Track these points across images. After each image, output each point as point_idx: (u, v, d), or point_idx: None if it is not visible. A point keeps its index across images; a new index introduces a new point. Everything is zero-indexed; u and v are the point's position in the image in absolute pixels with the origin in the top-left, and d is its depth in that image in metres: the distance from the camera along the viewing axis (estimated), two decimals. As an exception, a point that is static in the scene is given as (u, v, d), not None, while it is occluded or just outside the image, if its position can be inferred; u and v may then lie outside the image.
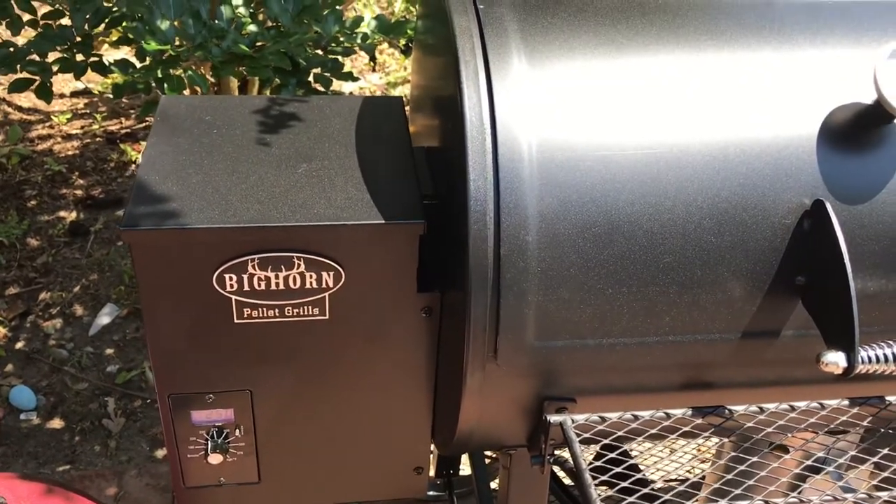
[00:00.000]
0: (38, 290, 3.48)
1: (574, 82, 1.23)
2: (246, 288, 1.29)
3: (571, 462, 1.19)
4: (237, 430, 1.46)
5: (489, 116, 1.16)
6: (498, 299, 1.14)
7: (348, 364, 1.40)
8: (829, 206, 1.13)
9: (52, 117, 4.59)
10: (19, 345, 3.23)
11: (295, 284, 1.30)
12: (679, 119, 1.20)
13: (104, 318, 3.35)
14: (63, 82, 5.04)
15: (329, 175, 1.37)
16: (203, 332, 1.33)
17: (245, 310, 1.31)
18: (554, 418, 1.23)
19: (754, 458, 1.23)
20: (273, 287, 1.30)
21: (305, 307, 1.32)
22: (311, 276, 1.30)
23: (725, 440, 1.59)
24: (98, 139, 4.45)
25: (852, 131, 1.19)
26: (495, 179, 1.12)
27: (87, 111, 4.72)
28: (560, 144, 1.17)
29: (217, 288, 1.28)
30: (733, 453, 1.25)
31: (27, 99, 4.77)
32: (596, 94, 1.22)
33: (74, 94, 4.93)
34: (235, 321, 1.32)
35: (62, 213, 3.89)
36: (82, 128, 4.56)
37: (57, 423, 2.95)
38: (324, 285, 1.31)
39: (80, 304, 3.43)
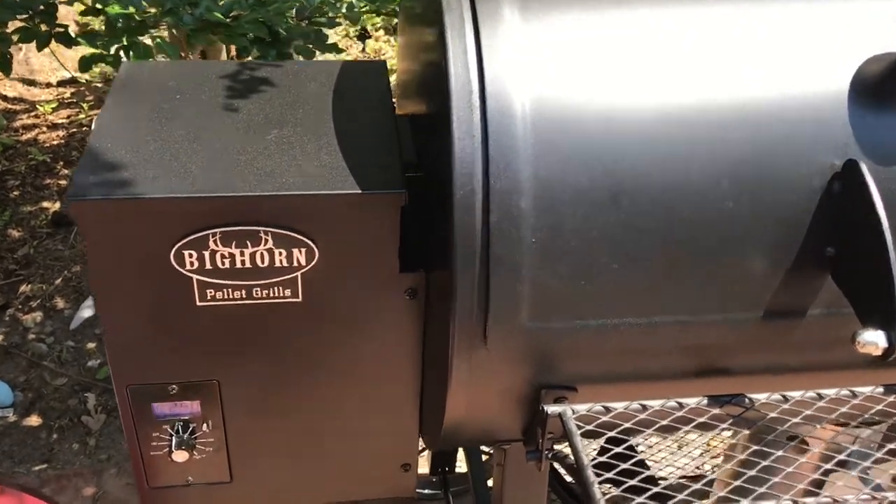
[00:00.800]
0: (18, 283, 3.35)
1: (571, 34, 1.09)
2: (208, 266, 1.16)
3: (572, 457, 1.05)
4: (205, 425, 1.32)
5: (476, 70, 1.02)
6: (487, 274, 1.00)
7: (325, 351, 1.27)
8: (863, 166, 0.99)
9: (38, 106, 4.46)
10: (-3, 339, 3.10)
11: (263, 262, 1.17)
12: (691, 72, 1.06)
13: (86, 311, 3.22)
14: (50, 71, 4.92)
15: (301, 142, 1.24)
16: (162, 317, 1.20)
17: (208, 291, 1.18)
18: (552, 409, 1.09)
19: (775, 454, 1.09)
20: (238, 265, 1.16)
21: (275, 288, 1.19)
22: (280, 254, 1.16)
23: (739, 435, 1.46)
24: (85, 129, 4.31)
25: (887, 84, 1.05)
26: (484, 138, 0.99)
27: (74, 100, 4.59)
28: (557, 101, 1.03)
29: (176, 266, 1.15)
30: (752, 446, 1.11)
31: (12, 88, 4.64)
32: (597, 46, 1.08)
33: (61, 83, 4.80)
34: (198, 303, 1.19)
35: (45, 204, 3.76)
36: (68, 117, 4.43)
37: (34, 420, 2.82)
38: (295, 263, 1.17)
39: (62, 296, 3.30)
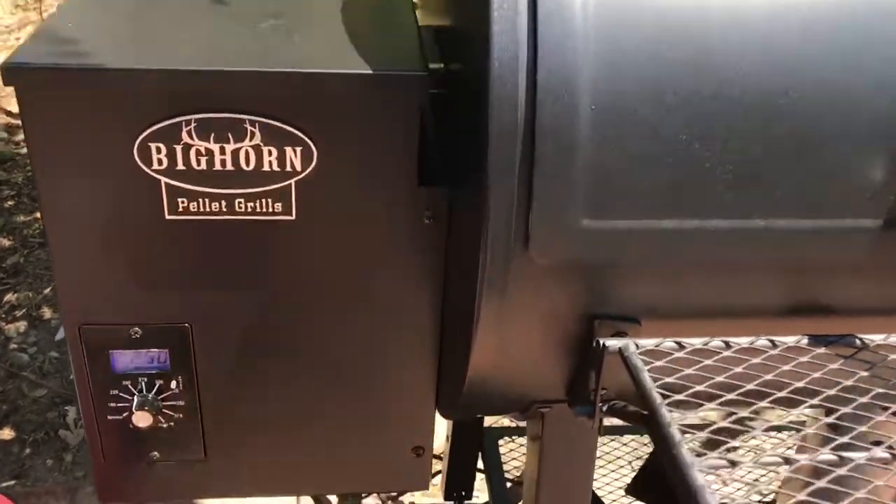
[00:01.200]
0: (4, 292, 3.13)
1: None
2: (180, 166, 0.93)
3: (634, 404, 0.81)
4: (173, 383, 1.08)
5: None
6: (532, 153, 0.77)
7: (323, 289, 1.03)
8: None
9: (41, 121, 4.31)
10: (-25, 348, 2.87)
11: (248, 164, 0.94)
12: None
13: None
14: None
15: (302, 30, 1.02)
16: (123, 233, 0.97)
17: (180, 200, 0.95)
18: (611, 343, 0.85)
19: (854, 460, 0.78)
20: (217, 166, 0.94)
21: (263, 201, 0.96)
22: (270, 153, 0.94)
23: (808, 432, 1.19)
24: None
25: None
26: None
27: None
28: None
29: (140, 164, 0.92)
30: (824, 452, 0.82)
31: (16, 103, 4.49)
32: None
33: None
34: (167, 216, 0.96)
35: (40, 215, 3.56)
36: (72, 133, 4.28)
37: (6, 434, 2.57)
38: (288, 167, 0.95)
39: (50, 306, 3.07)
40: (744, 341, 0.85)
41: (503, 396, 1.03)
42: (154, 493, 1.18)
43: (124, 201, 0.95)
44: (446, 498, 2.05)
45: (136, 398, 1.07)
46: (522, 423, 2.82)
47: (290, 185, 0.95)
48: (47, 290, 3.13)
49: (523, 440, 2.16)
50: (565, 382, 0.96)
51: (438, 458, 2.24)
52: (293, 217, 0.97)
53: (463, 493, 2.10)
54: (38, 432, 2.56)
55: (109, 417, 1.09)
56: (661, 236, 0.81)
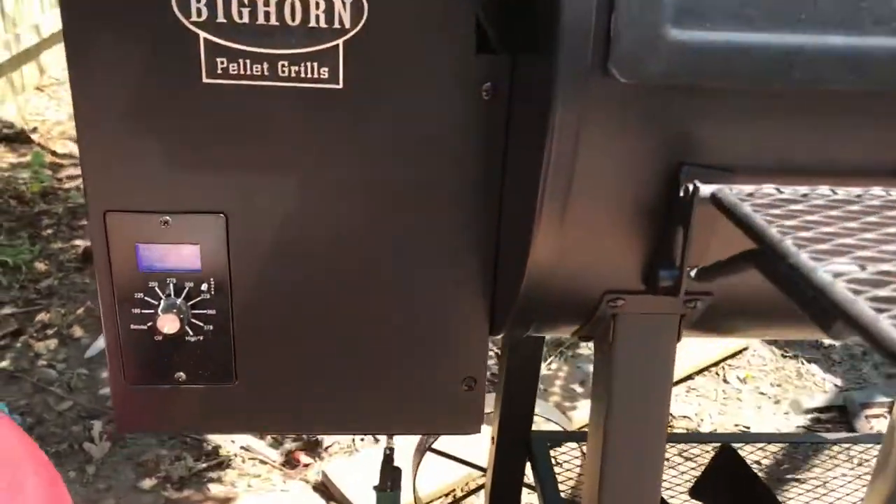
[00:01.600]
0: (36, 311, 3.07)
1: None
2: (221, 18, 0.86)
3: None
4: (204, 286, 0.98)
5: None
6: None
7: (368, 177, 0.94)
8: None
9: (84, 160, 4.35)
10: (3, 364, 2.79)
11: (294, 18, 0.86)
12: None
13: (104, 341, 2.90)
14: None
15: None
16: (156, 101, 0.89)
17: (219, 60, 0.87)
18: (705, 188, 0.74)
19: None
20: (261, 19, 0.86)
21: (308, 64, 0.88)
22: (317, 5, 0.86)
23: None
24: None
25: None
26: None
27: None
28: None
29: (179, 14, 0.85)
30: None
31: (63, 145, 4.56)
32: None
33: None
34: (204, 79, 0.88)
35: (77, 242, 3.54)
36: (114, 171, 4.30)
37: (30, 444, 2.46)
38: (336, 23, 0.87)
39: (81, 326, 3.01)
40: (857, 191, 0.74)
41: (566, 295, 0.91)
42: (177, 421, 1.07)
43: (159, 61, 0.87)
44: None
45: (163, 301, 0.97)
46: (574, 426, 2.65)
47: (338, 45, 0.87)
48: (80, 311, 3.07)
49: (575, 445, 2.00)
50: (642, 262, 0.85)
51: (482, 469, 2.08)
52: (340, 85, 0.89)
53: (508, 509, 1.95)
54: (61, 444, 2.46)
55: (132, 327, 1.00)
56: (761, 53, 0.71)
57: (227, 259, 0.97)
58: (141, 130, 0.90)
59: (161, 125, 0.90)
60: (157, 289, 0.98)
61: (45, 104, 5.08)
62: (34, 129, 4.65)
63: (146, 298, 0.98)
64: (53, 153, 4.43)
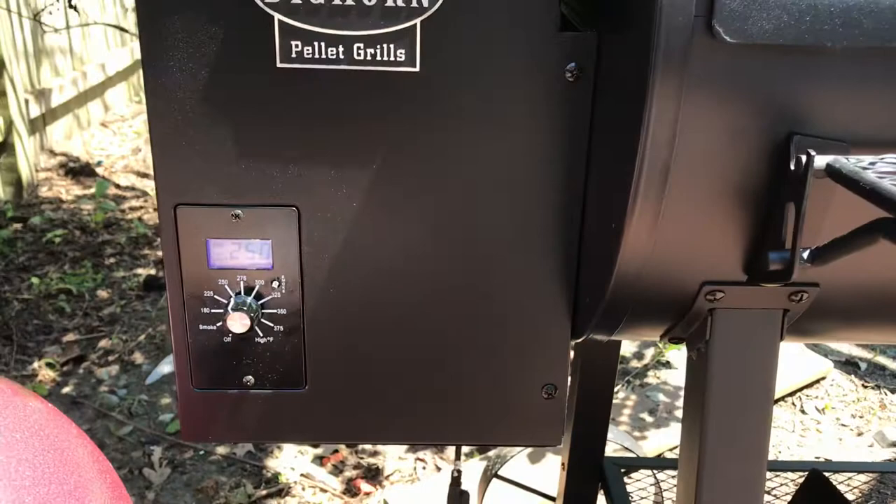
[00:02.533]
0: (98, 338, 3.09)
1: None
2: (295, -1, 0.83)
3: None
4: (275, 283, 0.94)
5: None
6: None
7: (446, 166, 0.90)
8: None
9: (149, 192, 4.42)
10: (66, 389, 2.80)
11: (371, -2, 0.83)
12: None
13: (166, 367, 2.91)
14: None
15: None
16: (228, 87, 0.86)
17: (294, 43, 0.84)
18: (820, 159, 0.68)
19: None
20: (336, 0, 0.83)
21: (385, 46, 0.85)
22: (395, -16, 0.83)
23: None
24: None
25: None
26: None
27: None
28: None
29: (254, -4, 0.83)
30: None
31: (126, 178, 4.64)
32: None
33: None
34: (278, 64, 0.85)
35: (139, 271, 3.57)
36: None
37: (91, 469, 2.45)
38: (414, 2, 0.83)
39: (143, 352, 3.01)
40: None
41: (660, 289, 0.85)
42: (244, 431, 1.02)
43: (232, 46, 0.85)
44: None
45: (232, 299, 0.94)
46: (646, 451, 2.54)
47: (415, 25, 0.84)
48: (141, 337, 3.08)
49: (648, 473, 1.91)
50: (745, 248, 0.78)
51: (550, 498, 2.00)
52: (417, 68, 0.85)
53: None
54: (122, 470, 2.44)
55: (201, 327, 0.96)
56: (884, 8, 0.65)
57: (298, 255, 0.93)
58: (212, 120, 0.87)
59: (233, 113, 0.87)
60: (226, 286, 0.94)
61: (110, 139, 5.20)
62: (98, 164, 4.75)
63: (216, 297, 0.94)
64: (117, 185, 4.51)
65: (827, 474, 1.78)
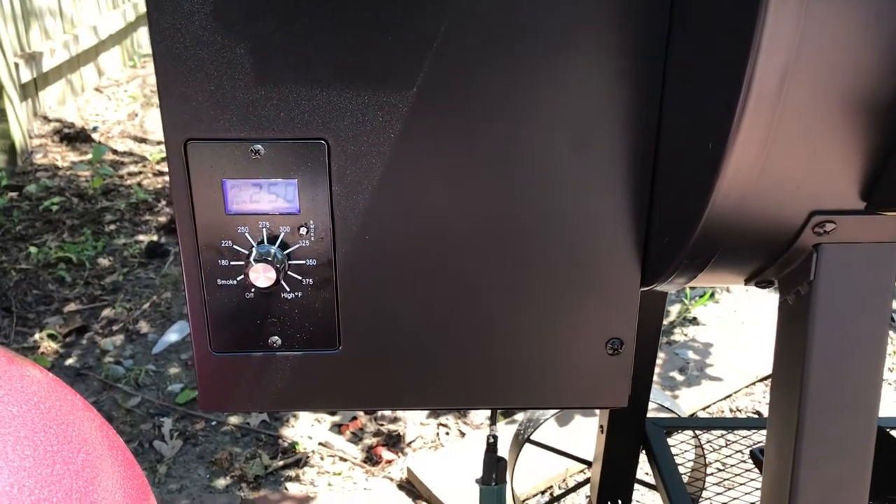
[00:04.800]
0: (101, 308, 2.97)
1: None
2: None
3: None
4: (302, 230, 0.82)
5: None
6: None
7: (501, 85, 0.77)
8: None
9: (147, 157, 4.28)
10: (70, 361, 2.69)
11: None
12: None
13: (172, 336, 2.79)
14: (161, 133, 4.79)
15: None
16: (250, 5, 0.73)
17: (321, -61, 0.71)
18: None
19: None
20: None
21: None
22: None
23: None
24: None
25: None
26: None
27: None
28: None
29: None
30: None
31: (123, 143, 4.50)
32: None
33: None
34: (302, -30, 0.72)
35: (141, 237, 3.44)
36: (175, 168, 4.22)
37: (99, 442, 2.35)
38: None
39: (148, 321, 2.90)
40: None
41: (759, 222, 0.72)
42: (270, 398, 0.90)
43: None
44: (595, 512, 1.72)
45: (254, 250, 0.81)
46: (690, 413, 2.43)
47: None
48: (145, 306, 2.96)
49: (691, 434, 1.80)
50: (864, 171, 0.66)
51: (587, 462, 1.90)
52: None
53: (619, 503, 1.77)
54: (131, 443, 2.33)
55: (220, 282, 0.84)
56: None
57: (329, 197, 0.80)
58: (226, 36, 0.74)
59: (251, 26, 0.74)
60: (247, 235, 0.82)
61: (105, 105, 5.04)
62: (94, 129, 4.60)
63: (235, 247, 0.82)
64: (114, 151, 4.37)
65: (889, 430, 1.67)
